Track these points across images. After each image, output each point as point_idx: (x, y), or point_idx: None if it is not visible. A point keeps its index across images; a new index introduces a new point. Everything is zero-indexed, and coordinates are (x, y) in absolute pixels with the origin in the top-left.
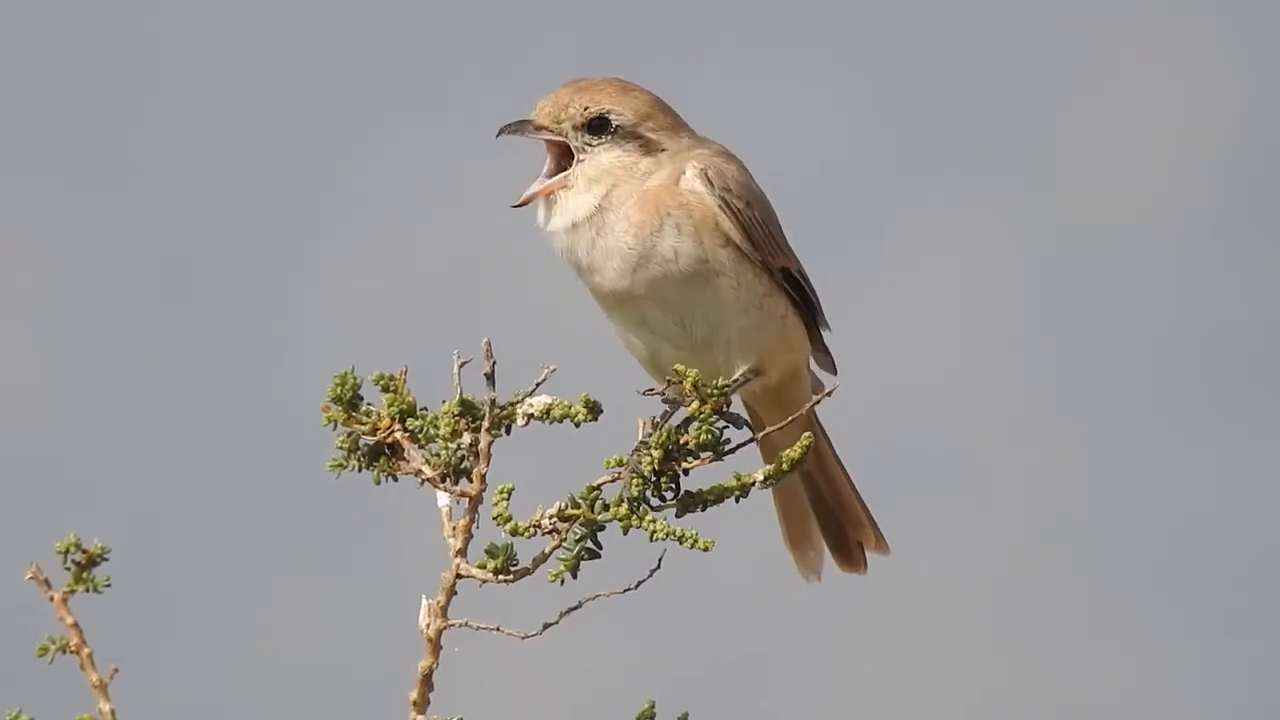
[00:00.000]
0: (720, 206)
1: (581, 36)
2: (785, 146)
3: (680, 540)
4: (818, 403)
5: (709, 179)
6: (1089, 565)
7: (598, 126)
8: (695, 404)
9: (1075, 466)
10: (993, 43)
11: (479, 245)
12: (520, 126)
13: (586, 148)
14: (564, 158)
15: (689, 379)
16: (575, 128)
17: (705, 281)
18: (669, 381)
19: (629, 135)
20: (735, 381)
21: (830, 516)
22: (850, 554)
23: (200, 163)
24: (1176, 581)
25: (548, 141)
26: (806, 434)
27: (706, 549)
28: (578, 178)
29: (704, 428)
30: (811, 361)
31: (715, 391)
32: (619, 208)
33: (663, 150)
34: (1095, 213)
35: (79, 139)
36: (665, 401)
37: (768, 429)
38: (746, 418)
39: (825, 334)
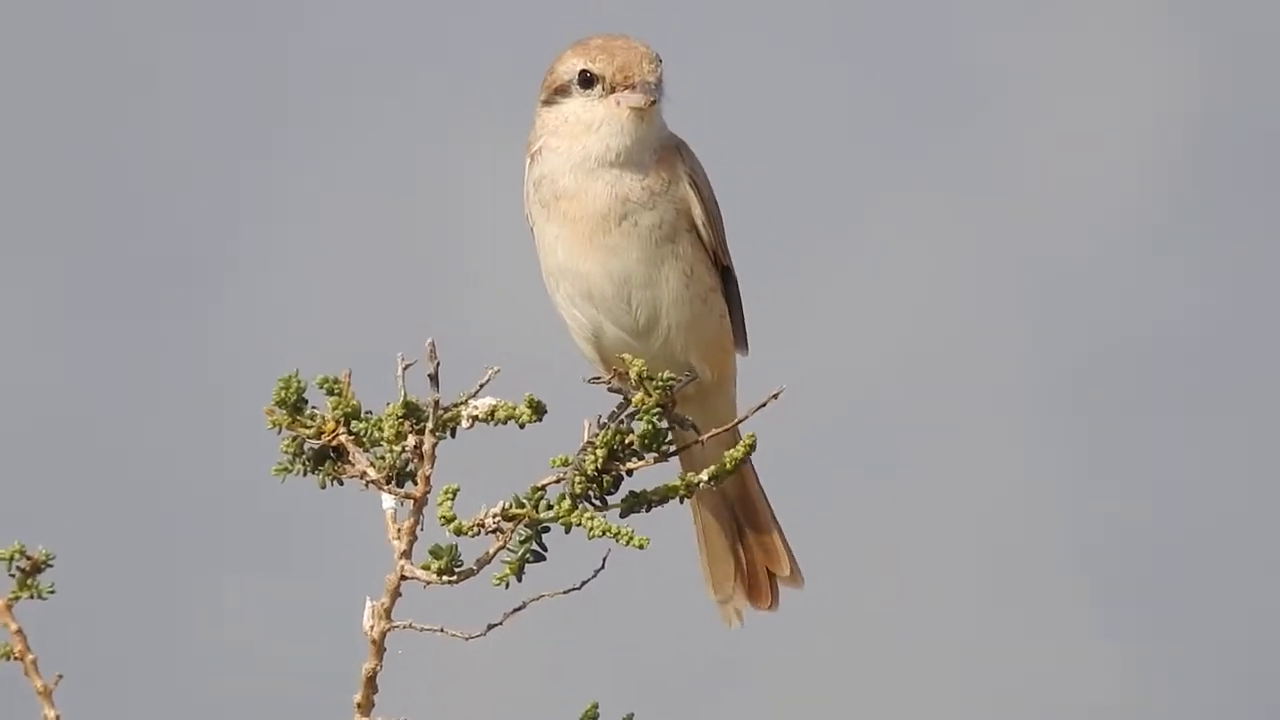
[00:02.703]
0: (690, 185)
1: (550, 21)
2: (740, 132)
3: (616, 537)
4: (763, 406)
5: (683, 157)
6: (1031, 559)
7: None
8: (640, 396)
9: (1019, 457)
10: (944, 34)
11: (427, 245)
12: (659, 93)
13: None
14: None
15: (634, 368)
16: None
17: (663, 261)
18: (615, 371)
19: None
20: (679, 379)
21: (744, 547)
22: (760, 587)
23: (144, 155)
24: (1114, 577)
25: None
26: (750, 433)
27: (641, 546)
28: (660, 112)
29: (647, 419)
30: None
31: (661, 384)
32: (646, 157)
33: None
34: (1049, 202)
35: (23, 142)
36: (611, 390)
37: (714, 430)
38: (694, 421)
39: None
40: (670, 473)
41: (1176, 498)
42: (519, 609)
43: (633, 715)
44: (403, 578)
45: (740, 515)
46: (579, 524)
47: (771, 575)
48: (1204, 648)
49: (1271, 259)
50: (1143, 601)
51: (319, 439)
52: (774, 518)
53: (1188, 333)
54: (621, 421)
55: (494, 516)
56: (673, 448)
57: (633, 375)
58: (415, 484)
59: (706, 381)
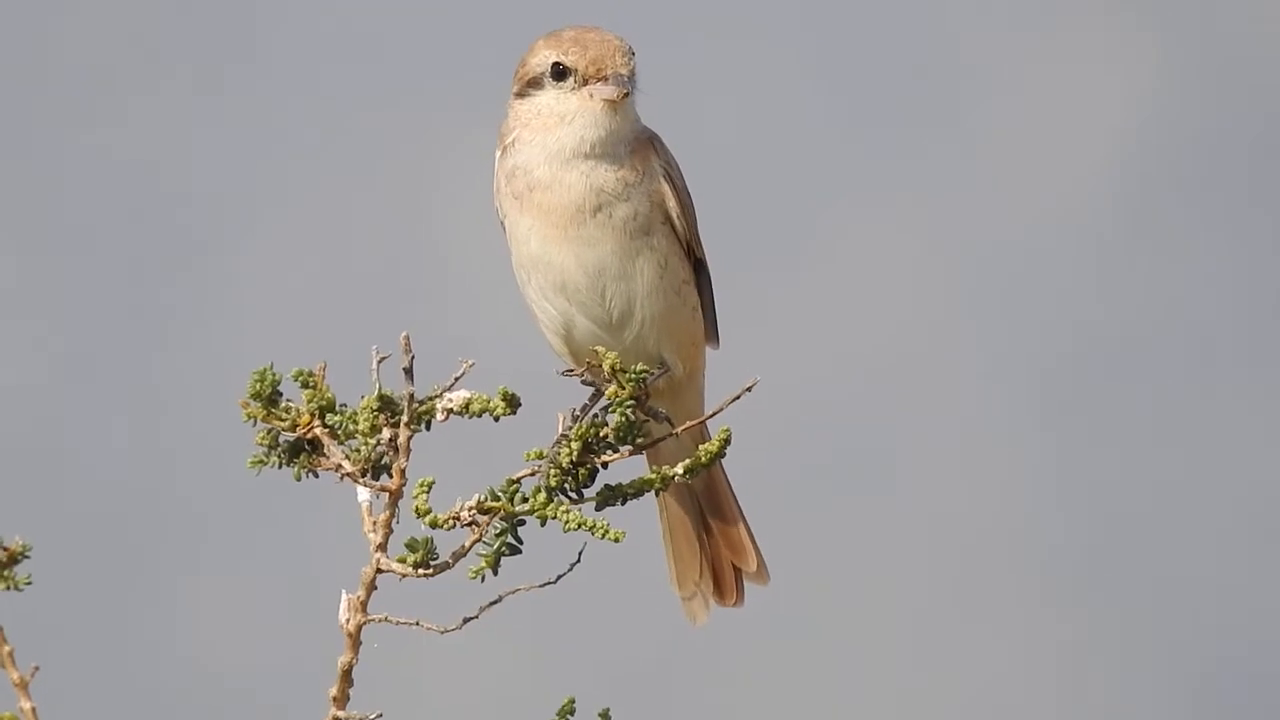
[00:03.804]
0: (664, 177)
1: (517, 27)
2: (703, 135)
3: (591, 530)
4: (737, 398)
5: (656, 150)
6: (1015, 553)
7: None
8: (613, 388)
9: (1001, 460)
10: (912, 41)
11: (402, 239)
12: (632, 85)
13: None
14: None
15: (608, 361)
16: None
17: (638, 254)
18: (588, 364)
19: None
20: (652, 372)
21: (711, 542)
22: (726, 583)
23: (121, 145)
24: (1078, 579)
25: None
26: (725, 426)
27: (617, 540)
28: (634, 104)
29: (621, 412)
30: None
31: (635, 376)
32: (620, 149)
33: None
34: (1012, 208)
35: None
36: (584, 383)
37: (689, 423)
38: (667, 413)
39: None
40: (644, 466)
41: (1142, 500)
42: (495, 602)
43: (609, 710)
44: (378, 571)
45: (707, 511)
46: (554, 517)
47: (738, 572)
48: (1155, 649)
49: (1250, 256)
50: (1108, 603)
51: (294, 432)
52: (741, 513)
53: (1162, 332)
54: (595, 414)
55: (469, 509)
56: (647, 440)
57: (606, 368)
58: (390, 477)
59: (678, 375)
